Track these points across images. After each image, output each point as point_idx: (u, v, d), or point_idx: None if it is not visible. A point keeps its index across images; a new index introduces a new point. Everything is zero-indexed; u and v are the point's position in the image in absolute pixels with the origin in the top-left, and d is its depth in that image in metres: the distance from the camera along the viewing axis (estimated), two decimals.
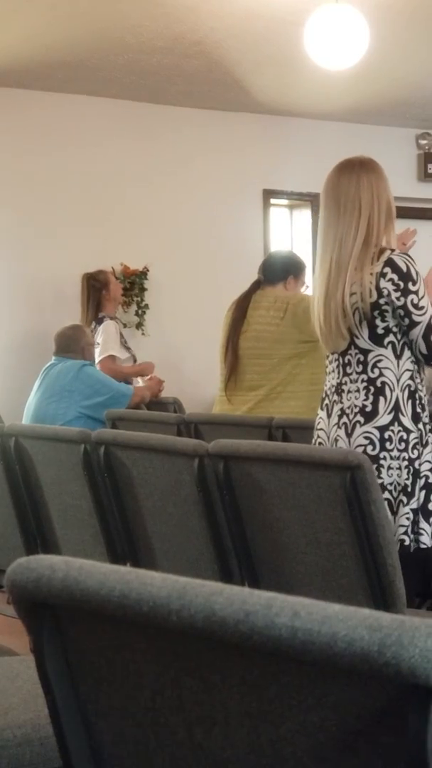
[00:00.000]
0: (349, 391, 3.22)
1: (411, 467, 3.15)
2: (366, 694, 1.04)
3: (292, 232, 9.08)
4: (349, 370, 3.23)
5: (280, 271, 4.85)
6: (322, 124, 8.60)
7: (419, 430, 3.19)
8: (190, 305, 8.15)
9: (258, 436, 3.93)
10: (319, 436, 3.33)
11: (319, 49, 5.95)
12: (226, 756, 1.16)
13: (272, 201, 8.78)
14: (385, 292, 3.14)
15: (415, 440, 3.17)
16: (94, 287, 7.03)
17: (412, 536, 3.14)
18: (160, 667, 1.19)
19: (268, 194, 8.67)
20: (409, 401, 3.19)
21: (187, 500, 3.07)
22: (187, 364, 8.05)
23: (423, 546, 3.17)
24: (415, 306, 3.15)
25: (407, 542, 3.13)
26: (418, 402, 3.21)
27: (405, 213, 8.02)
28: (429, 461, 3.20)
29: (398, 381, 3.18)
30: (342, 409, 3.23)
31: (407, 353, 3.21)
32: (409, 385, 3.20)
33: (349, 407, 3.21)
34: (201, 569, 3.07)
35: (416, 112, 8.51)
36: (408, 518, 3.13)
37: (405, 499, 3.13)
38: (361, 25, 5.77)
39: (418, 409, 3.20)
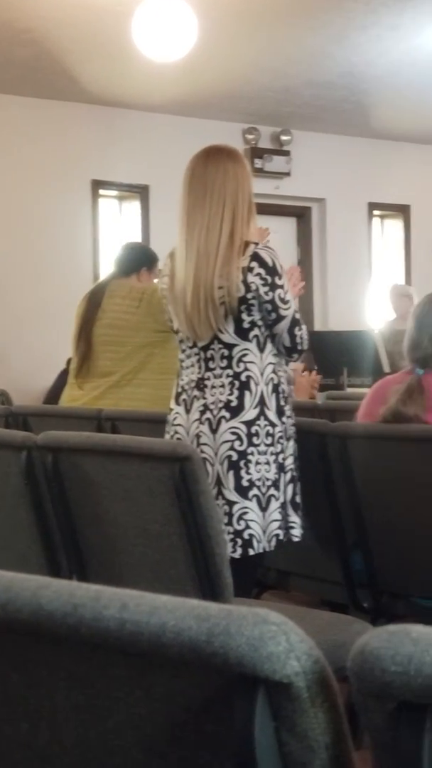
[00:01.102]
0: (213, 387, 3.17)
1: (277, 461, 3.15)
2: (194, 685, 1.04)
3: (122, 224, 9.06)
4: (212, 365, 3.19)
5: (133, 262, 4.85)
6: (152, 116, 8.61)
7: (283, 423, 3.19)
8: (16, 299, 8.04)
9: (87, 428, 3.90)
10: (177, 432, 3.25)
11: (148, 41, 5.95)
12: (53, 751, 1.15)
13: (101, 192, 8.74)
14: (253, 286, 3.13)
15: (280, 434, 3.17)
16: None
17: (284, 530, 3.15)
18: None
19: (97, 185, 8.63)
20: (273, 395, 3.18)
21: (15, 494, 3.02)
22: (15, 357, 7.94)
23: (295, 539, 3.18)
24: (282, 300, 3.16)
25: (281, 537, 3.14)
26: (281, 395, 3.21)
27: None
28: (293, 455, 3.21)
29: (262, 375, 3.17)
30: (205, 405, 3.17)
31: (270, 347, 3.20)
32: (272, 379, 3.19)
33: (213, 403, 3.16)
34: (29, 563, 3.03)
35: (243, 106, 8.61)
36: (280, 513, 3.13)
37: (275, 494, 3.13)
38: (189, 17, 5.79)
39: (282, 403, 3.20)
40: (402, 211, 10.15)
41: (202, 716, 1.05)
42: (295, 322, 3.19)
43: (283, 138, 9.29)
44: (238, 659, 0.96)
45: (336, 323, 9.22)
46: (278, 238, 9.75)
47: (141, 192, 8.75)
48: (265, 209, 9.32)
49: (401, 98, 8.44)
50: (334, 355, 7.14)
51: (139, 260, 4.91)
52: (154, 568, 2.79)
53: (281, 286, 3.16)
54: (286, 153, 9.30)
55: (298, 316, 3.22)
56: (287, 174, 9.28)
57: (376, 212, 10.07)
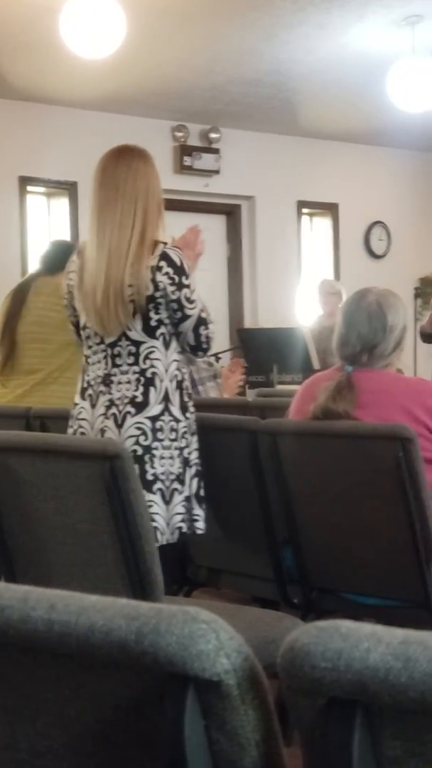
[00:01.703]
0: (119, 383, 3.22)
1: (182, 456, 3.20)
2: (124, 684, 1.03)
3: (50, 221, 8.99)
4: (119, 361, 3.23)
5: (60, 260, 4.82)
6: (80, 113, 8.56)
7: (187, 419, 3.25)
8: None
9: (15, 427, 3.87)
10: (81, 426, 3.29)
11: (76, 37, 5.91)
12: None
13: (29, 189, 8.67)
14: (161, 285, 3.18)
15: (184, 429, 3.22)
16: None
17: (188, 524, 3.19)
18: None
19: (25, 181, 8.56)
20: (177, 391, 3.24)
21: None
22: None
23: (199, 531, 3.22)
24: (188, 299, 3.22)
25: (184, 529, 3.17)
26: (185, 392, 3.27)
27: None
28: (197, 449, 3.26)
29: (167, 372, 3.23)
30: (111, 400, 3.22)
31: (174, 344, 3.26)
32: (176, 376, 3.25)
33: (119, 398, 3.21)
34: None
35: (172, 103, 8.60)
36: (183, 506, 3.17)
37: (179, 488, 3.17)
38: (117, 14, 5.77)
39: (185, 399, 3.26)
40: (330, 209, 10.21)
41: (132, 715, 1.04)
42: (200, 322, 3.25)
43: (212, 136, 9.29)
44: (168, 658, 0.96)
45: (266, 320, 9.25)
46: (208, 236, 9.74)
47: (69, 189, 8.70)
48: (194, 207, 9.35)
49: (329, 96, 8.49)
50: (264, 353, 7.16)
51: (67, 258, 4.88)
52: (84, 567, 2.78)
53: (188, 286, 3.22)
54: (215, 151, 9.30)
55: (204, 315, 3.27)
56: (216, 172, 9.29)
57: (305, 210, 10.12)
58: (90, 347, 3.33)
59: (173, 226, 3.80)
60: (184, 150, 9.11)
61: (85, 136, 8.37)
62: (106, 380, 3.25)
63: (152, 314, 3.20)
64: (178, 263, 3.21)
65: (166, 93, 8.27)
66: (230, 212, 9.77)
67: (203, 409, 4.40)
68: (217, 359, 5.52)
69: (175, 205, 8.69)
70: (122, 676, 1.03)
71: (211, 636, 0.96)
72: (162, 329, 3.23)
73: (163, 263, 3.19)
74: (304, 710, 0.95)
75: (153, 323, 3.21)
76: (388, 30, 6.90)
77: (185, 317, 3.22)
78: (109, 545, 2.67)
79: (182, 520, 3.16)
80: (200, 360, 5.20)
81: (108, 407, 3.22)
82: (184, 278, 3.21)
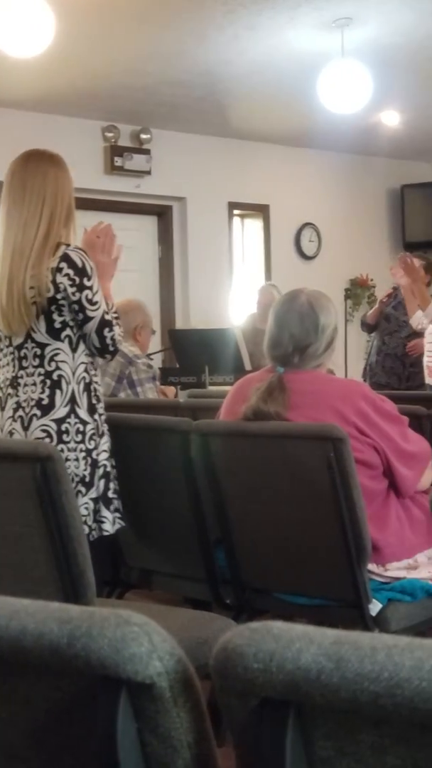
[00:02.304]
0: (25, 385, 3.24)
1: (89, 458, 3.21)
2: (56, 688, 1.03)
3: None
4: (25, 364, 3.25)
5: None
6: (9, 113, 8.49)
7: (95, 421, 3.25)
8: None
9: None
10: None
11: (3, 36, 5.86)
12: None
13: None
14: (62, 287, 3.18)
15: (92, 431, 3.23)
16: None
17: (94, 525, 3.20)
18: None
19: None
20: (85, 393, 3.25)
21: None
22: None
23: (105, 533, 3.23)
24: (89, 301, 3.21)
25: (88, 531, 3.16)
26: (93, 394, 3.28)
27: (92, 205, 8.07)
28: (106, 450, 3.27)
29: (74, 374, 3.23)
30: (18, 403, 3.24)
31: (82, 347, 3.26)
32: (84, 378, 3.25)
33: (25, 400, 3.23)
34: None
35: (102, 104, 8.56)
36: (87, 508, 3.19)
37: (83, 490, 3.19)
38: (46, 13, 5.73)
39: (94, 401, 3.27)
40: (261, 210, 10.24)
41: (64, 719, 1.03)
42: (104, 324, 3.25)
43: (143, 136, 9.27)
44: (100, 661, 0.95)
45: (198, 322, 9.25)
46: (139, 237, 9.77)
47: None
48: (125, 207, 9.33)
49: (260, 98, 8.51)
50: (195, 354, 7.17)
51: None
52: (15, 570, 2.76)
53: (89, 288, 3.22)
54: (146, 151, 9.28)
55: (109, 317, 3.27)
56: (147, 172, 9.27)
57: (236, 211, 10.14)
58: (0, 350, 3.33)
59: None
60: (115, 151, 9.08)
61: (13, 136, 8.29)
62: (14, 383, 3.27)
63: (55, 316, 3.21)
64: (80, 264, 3.21)
65: (96, 93, 8.24)
66: (161, 213, 9.76)
67: (134, 410, 4.39)
68: (150, 360, 5.51)
69: (105, 205, 8.68)
70: (54, 680, 1.02)
71: (144, 639, 0.96)
72: (67, 331, 3.23)
73: (63, 264, 3.19)
74: (237, 711, 0.96)
75: (57, 325, 3.22)
76: (319, 32, 6.94)
77: (87, 319, 3.22)
78: (41, 548, 2.66)
79: (85, 522, 3.15)
80: (140, 361, 5.20)
81: (15, 410, 3.24)
82: (85, 279, 3.21)
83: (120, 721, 0.97)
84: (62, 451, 3.14)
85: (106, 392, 4.82)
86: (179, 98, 8.46)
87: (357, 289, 10.60)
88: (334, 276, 10.31)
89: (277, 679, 0.90)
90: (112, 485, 3.27)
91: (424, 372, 6.99)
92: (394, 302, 7.51)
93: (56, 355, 3.22)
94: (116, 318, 3.29)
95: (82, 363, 3.25)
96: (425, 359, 6.90)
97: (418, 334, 7.12)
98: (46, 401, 3.20)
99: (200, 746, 1.01)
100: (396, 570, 3.11)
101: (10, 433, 3.22)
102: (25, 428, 3.20)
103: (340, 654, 0.88)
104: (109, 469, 3.26)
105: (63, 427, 3.19)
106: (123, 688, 0.97)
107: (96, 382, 3.31)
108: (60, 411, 3.20)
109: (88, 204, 7.29)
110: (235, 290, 9.79)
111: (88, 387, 3.26)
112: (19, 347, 3.25)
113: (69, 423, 3.19)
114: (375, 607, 3.02)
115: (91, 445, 3.22)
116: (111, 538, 3.29)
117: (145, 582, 3.68)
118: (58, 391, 3.21)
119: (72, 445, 3.19)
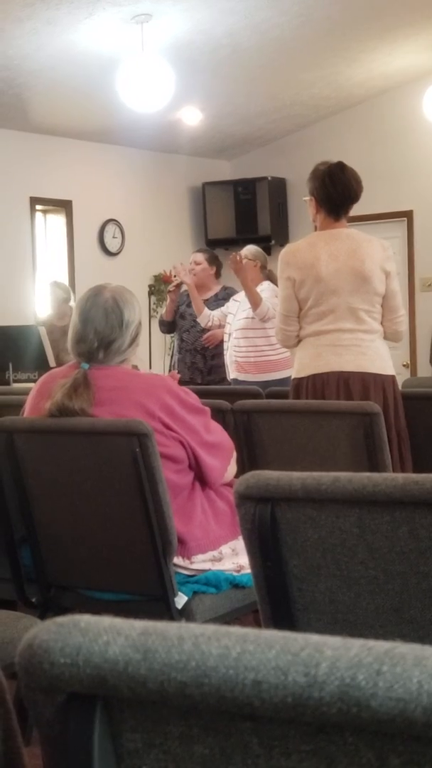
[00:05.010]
0: None
1: None
2: None
3: None
4: None
5: None
6: None
7: None
8: None
9: None
10: None
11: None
12: None
13: None
14: None
15: None
16: None
17: None
18: None
19: None
20: None
21: None
22: None
23: None
24: None
25: None
26: None
27: None
28: None
29: None
30: None
31: None
32: None
33: None
34: None
35: None
36: None
37: None
38: None
39: None
40: (64, 206, 10.16)
41: None
42: None
43: None
44: None
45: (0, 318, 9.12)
46: None
47: None
48: None
49: (60, 93, 8.43)
50: None
51: None
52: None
53: None
54: None
55: None
56: None
57: (38, 207, 10.02)
58: None
59: None
60: None
61: None
62: None
63: None
64: None
65: None
66: None
67: None
68: None
69: None
70: None
71: None
72: None
73: None
74: (44, 708, 0.94)
75: None
76: (118, 28, 6.93)
77: None
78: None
79: None
80: None
81: None
82: None
83: None
84: None
85: None
86: None
87: (161, 285, 10.65)
88: (137, 272, 10.33)
89: (84, 674, 0.89)
90: None
91: (227, 367, 7.09)
92: (187, 300, 7.57)
93: None
94: None
95: None
96: (229, 355, 7.00)
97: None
98: None
99: (7, 744, 0.99)
100: (201, 562, 3.14)
101: None
102: None
103: (147, 645, 0.88)
104: None
105: None
106: None
107: None
108: None
109: None
110: (39, 286, 9.68)
111: None
112: None
113: None
114: (180, 600, 3.04)
115: None
116: None
117: None
118: None
119: None
